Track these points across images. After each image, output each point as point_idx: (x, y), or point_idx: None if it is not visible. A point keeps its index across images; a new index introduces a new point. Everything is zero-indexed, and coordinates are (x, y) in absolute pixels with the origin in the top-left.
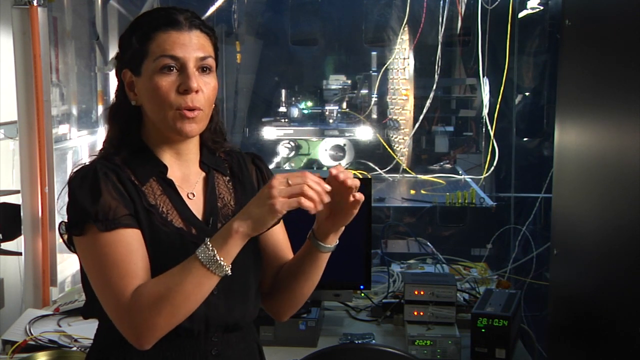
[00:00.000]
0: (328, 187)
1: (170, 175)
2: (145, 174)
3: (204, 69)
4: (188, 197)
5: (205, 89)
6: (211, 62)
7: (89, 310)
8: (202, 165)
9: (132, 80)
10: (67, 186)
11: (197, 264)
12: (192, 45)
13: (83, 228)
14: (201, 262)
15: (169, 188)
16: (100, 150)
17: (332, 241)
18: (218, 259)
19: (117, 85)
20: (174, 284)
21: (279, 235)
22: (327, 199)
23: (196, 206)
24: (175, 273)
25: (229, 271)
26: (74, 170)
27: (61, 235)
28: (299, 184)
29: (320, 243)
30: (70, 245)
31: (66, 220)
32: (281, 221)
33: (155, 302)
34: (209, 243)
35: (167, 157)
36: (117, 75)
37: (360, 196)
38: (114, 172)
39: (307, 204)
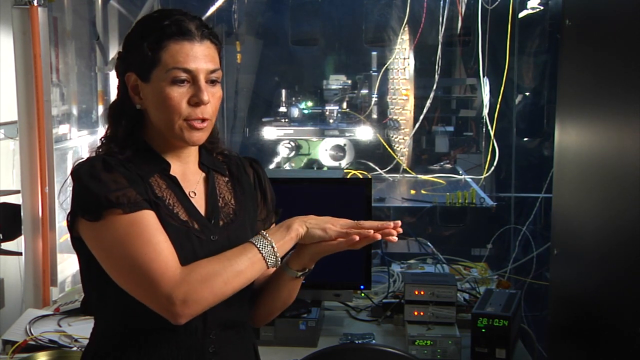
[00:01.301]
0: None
1: (172, 173)
2: (149, 170)
3: (212, 81)
4: (190, 195)
5: (212, 99)
6: (219, 74)
7: (87, 308)
8: (202, 166)
9: (138, 84)
10: (70, 178)
11: (255, 250)
12: (204, 58)
13: (101, 213)
14: (259, 250)
15: (173, 184)
16: (99, 147)
17: (302, 268)
18: (276, 252)
19: (119, 86)
20: (229, 263)
21: None
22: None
23: (198, 204)
24: (230, 254)
25: (279, 264)
26: (78, 162)
27: (68, 221)
28: (358, 228)
29: (291, 269)
30: (73, 233)
31: (70, 211)
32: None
33: (208, 276)
34: (267, 235)
35: (168, 158)
36: (119, 75)
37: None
38: (121, 165)
39: (354, 240)
